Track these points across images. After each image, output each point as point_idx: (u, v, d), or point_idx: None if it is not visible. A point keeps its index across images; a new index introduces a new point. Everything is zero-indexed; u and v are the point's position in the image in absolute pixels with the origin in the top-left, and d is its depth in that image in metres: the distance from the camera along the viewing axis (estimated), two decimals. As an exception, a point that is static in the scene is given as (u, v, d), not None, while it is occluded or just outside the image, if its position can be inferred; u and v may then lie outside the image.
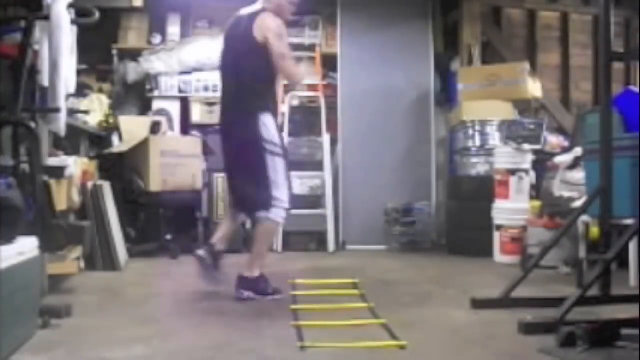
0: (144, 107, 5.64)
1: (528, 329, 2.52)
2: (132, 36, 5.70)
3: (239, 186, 3.44)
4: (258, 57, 3.31)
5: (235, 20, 3.48)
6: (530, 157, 4.81)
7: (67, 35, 3.00)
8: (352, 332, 2.60)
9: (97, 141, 5.03)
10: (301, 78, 3.66)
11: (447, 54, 5.98)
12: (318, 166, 5.47)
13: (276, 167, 3.30)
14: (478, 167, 5.25)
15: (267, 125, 3.31)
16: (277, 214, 3.30)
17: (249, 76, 3.33)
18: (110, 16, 5.01)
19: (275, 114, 3.42)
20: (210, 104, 5.48)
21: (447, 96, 5.91)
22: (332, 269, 4.39)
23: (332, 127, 5.63)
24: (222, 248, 3.46)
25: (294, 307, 3.01)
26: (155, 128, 5.03)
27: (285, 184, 3.33)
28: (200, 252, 3.37)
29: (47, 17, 2.93)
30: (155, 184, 4.72)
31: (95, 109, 5.08)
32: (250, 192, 3.34)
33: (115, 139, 5.08)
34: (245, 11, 3.45)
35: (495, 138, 5.17)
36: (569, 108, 6.37)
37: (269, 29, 3.30)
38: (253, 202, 3.35)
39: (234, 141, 3.39)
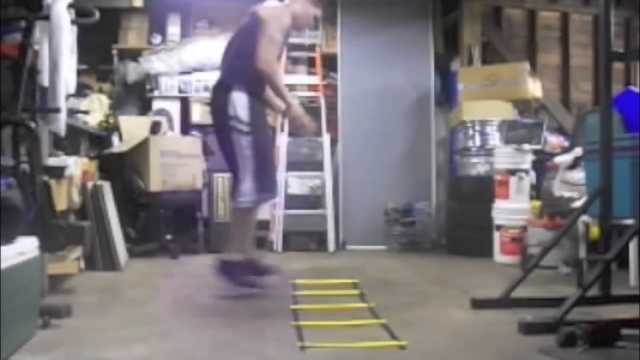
0: (144, 107, 5.65)
1: (528, 329, 2.52)
2: (132, 36, 5.71)
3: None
4: (253, 37, 3.25)
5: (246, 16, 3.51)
6: (530, 157, 4.81)
7: (67, 35, 3.00)
8: (352, 332, 2.60)
9: (97, 141, 5.03)
10: (270, 68, 3.24)
11: (447, 54, 5.98)
12: (318, 166, 5.47)
13: (244, 149, 3.25)
14: (478, 167, 5.25)
15: (238, 100, 3.24)
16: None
17: (241, 50, 3.32)
18: (110, 16, 5.01)
19: (255, 95, 3.32)
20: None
21: (447, 96, 5.91)
22: (332, 269, 4.39)
23: (332, 127, 5.64)
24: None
25: (294, 307, 3.01)
26: (155, 128, 5.03)
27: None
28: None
29: (47, 17, 2.93)
30: (155, 184, 4.72)
31: (95, 109, 5.08)
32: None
33: (115, 139, 5.08)
34: None
35: (495, 138, 5.17)
36: (569, 108, 6.38)
37: (273, 12, 3.31)
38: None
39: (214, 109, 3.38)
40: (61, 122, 3.06)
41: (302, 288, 3.46)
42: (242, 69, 3.28)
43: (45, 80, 3.00)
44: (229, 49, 3.45)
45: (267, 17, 3.27)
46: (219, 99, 3.31)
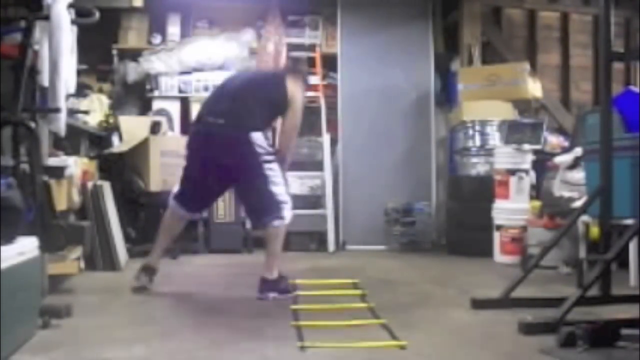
0: (144, 107, 5.64)
1: (528, 329, 2.52)
2: (132, 36, 5.71)
3: (246, 198, 3.50)
4: (278, 102, 3.47)
5: (257, 71, 3.64)
6: (530, 157, 4.81)
7: (67, 35, 3.00)
8: (352, 332, 2.60)
9: (97, 141, 5.03)
10: (290, 153, 3.60)
11: (447, 54, 5.98)
12: (318, 166, 5.47)
13: (275, 172, 3.36)
14: (478, 167, 5.25)
15: (258, 139, 3.35)
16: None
17: (261, 107, 3.42)
18: (110, 16, 5.00)
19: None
20: (210, 104, 5.47)
21: (447, 96, 5.91)
22: (332, 269, 4.39)
23: (332, 127, 5.63)
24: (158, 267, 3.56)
25: (294, 307, 3.01)
26: (155, 128, 5.03)
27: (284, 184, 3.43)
28: (140, 282, 3.46)
29: (47, 17, 2.93)
30: (155, 184, 4.72)
31: (95, 109, 5.07)
32: (260, 203, 3.37)
33: (115, 139, 5.08)
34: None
35: (495, 138, 5.17)
36: (569, 108, 6.37)
37: (299, 97, 3.50)
38: (264, 212, 3.37)
39: (228, 155, 3.36)
40: (61, 122, 3.06)
41: (302, 288, 3.46)
42: (260, 123, 3.43)
43: (45, 80, 3.00)
44: (243, 93, 3.45)
45: (297, 105, 3.49)
46: (234, 143, 3.34)
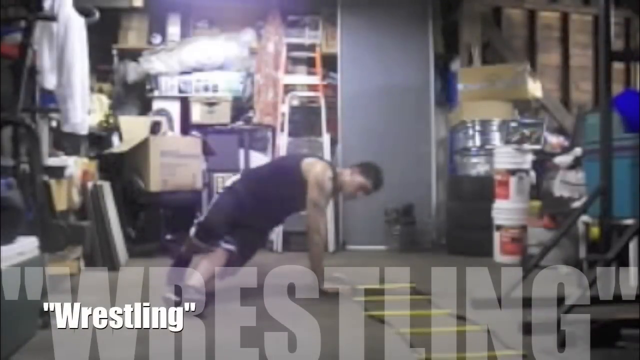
0: (144, 107, 5.65)
1: (528, 329, 2.52)
2: (132, 36, 5.71)
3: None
4: (289, 185, 3.46)
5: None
6: (530, 157, 4.80)
7: (80, 35, 3.00)
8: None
9: (97, 141, 5.03)
10: (319, 231, 3.61)
11: (447, 54, 5.98)
12: (318, 166, 5.46)
13: None
14: (478, 167, 5.25)
15: None
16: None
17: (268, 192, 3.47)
18: (110, 16, 5.01)
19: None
20: (210, 104, 5.49)
21: (447, 96, 5.91)
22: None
23: (332, 127, 5.63)
24: None
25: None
26: (155, 128, 5.03)
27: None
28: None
29: (48, 18, 2.93)
30: (155, 184, 4.72)
31: (95, 109, 5.08)
32: None
33: (115, 139, 5.09)
34: None
35: (495, 138, 5.17)
36: (569, 108, 6.37)
37: (316, 174, 3.39)
38: None
39: None
40: (78, 122, 3.05)
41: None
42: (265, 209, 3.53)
43: (46, 82, 3.00)
44: (267, 189, 3.50)
45: (311, 185, 3.41)
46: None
